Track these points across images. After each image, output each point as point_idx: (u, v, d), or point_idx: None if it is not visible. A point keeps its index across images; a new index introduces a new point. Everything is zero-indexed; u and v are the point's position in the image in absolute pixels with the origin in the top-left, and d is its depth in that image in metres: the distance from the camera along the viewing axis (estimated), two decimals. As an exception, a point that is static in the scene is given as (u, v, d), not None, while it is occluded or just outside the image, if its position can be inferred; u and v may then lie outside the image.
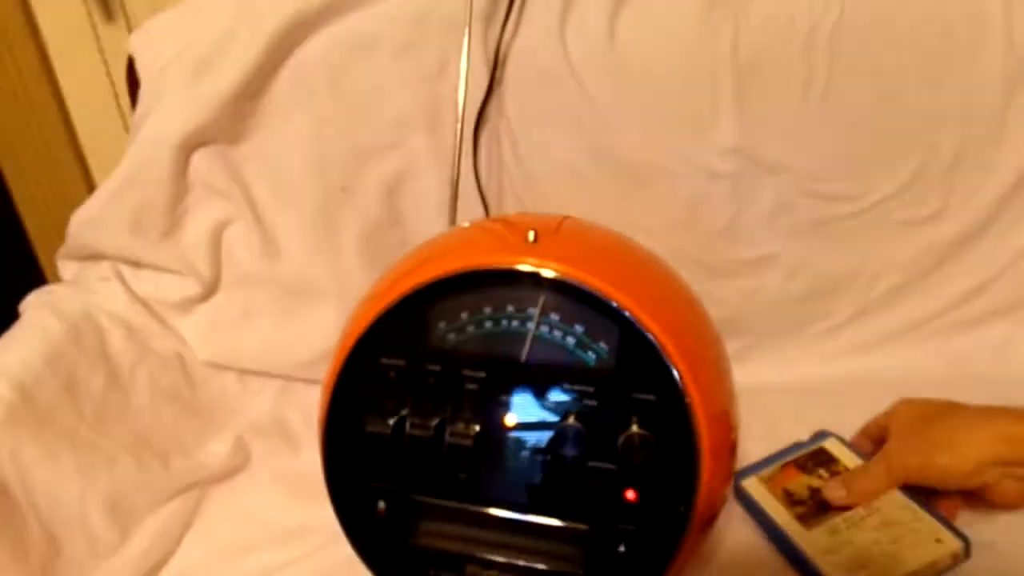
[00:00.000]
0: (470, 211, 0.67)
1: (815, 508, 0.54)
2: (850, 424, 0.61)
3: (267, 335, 0.70)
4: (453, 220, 0.65)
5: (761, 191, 0.66)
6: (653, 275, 0.49)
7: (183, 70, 0.64)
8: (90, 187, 1.06)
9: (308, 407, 0.70)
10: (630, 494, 0.43)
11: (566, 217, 0.50)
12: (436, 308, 0.44)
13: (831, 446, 0.59)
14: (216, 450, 0.66)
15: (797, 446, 0.60)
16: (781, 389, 0.66)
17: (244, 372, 0.71)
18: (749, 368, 0.59)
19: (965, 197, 0.66)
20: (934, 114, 0.64)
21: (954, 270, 0.68)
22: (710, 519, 0.45)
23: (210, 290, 0.69)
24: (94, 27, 0.96)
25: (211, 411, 0.68)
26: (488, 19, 0.64)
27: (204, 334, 0.69)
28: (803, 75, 0.63)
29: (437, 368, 0.44)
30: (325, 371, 0.71)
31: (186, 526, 0.61)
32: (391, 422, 0.44)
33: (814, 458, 0.58)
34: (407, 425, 0.44)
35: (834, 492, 0.54)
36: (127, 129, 0.85)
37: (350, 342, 0.45)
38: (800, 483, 0.56)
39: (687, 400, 0.42)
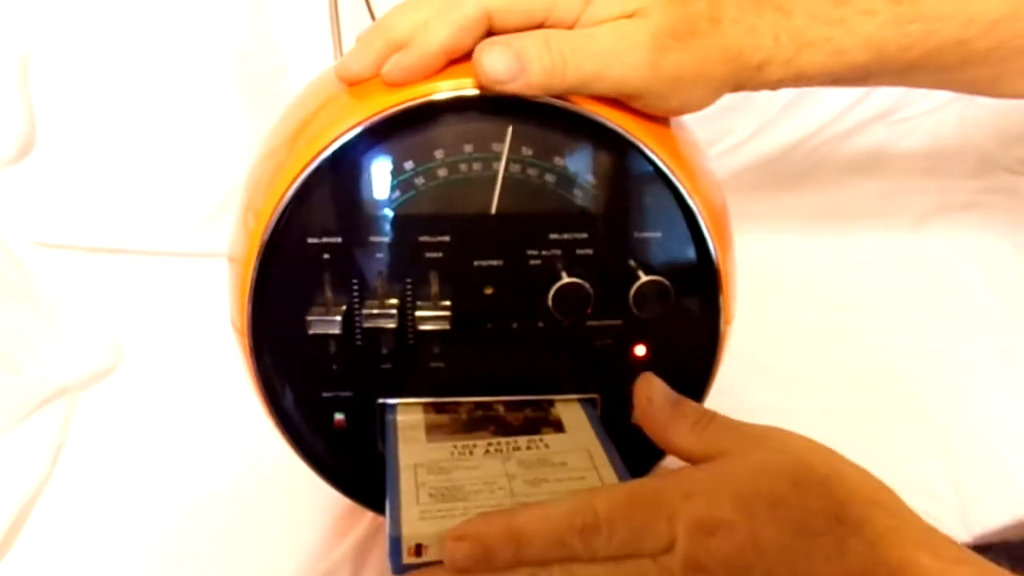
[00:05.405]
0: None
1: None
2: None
3: (119, 201, 0.56)
4: (338, 43, 0.51)
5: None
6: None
7: None
8: None
9: (191, 283, 0.59)
10: (640, 350, 0.37)
11: None
12: (371, 163, 0.33)
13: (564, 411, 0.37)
14: (79, 349, 0.54)
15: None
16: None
17: (94, 251, 0.56)
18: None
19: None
20: None
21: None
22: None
23: (25, 148, 0.53)
24: None
25: (60, 303, 0.55)
26: None
27: (26, 207, 0.54)
28: None
29: (385, 239, 0.34)
30: (207, 239, 0.58)
31: (58, 443, 0.50)
32: (338, 318, 0.34)
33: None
34: (361, 317, 0.35)
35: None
36: None
37: (260, 227, 0.33)
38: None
39: (706, 233, 0.34)
